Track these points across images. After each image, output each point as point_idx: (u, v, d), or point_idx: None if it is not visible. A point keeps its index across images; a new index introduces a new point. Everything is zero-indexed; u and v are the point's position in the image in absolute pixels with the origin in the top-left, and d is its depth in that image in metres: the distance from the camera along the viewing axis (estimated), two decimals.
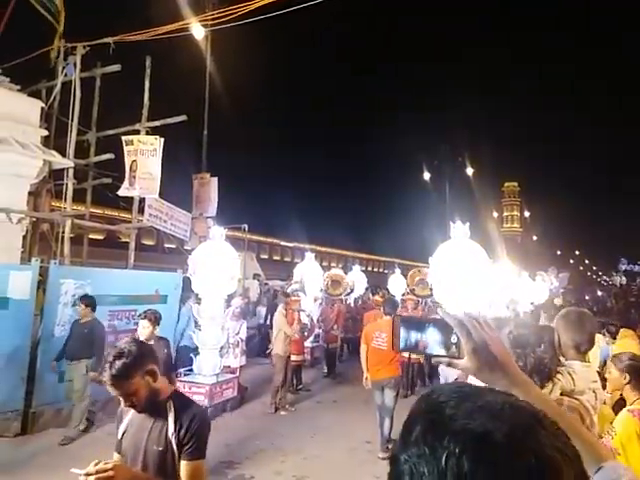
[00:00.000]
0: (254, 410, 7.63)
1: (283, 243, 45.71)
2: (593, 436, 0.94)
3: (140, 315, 5.53)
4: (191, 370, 7.39)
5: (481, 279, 5.59)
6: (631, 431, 2.39)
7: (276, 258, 44.61)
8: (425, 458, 0.50)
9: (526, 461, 0.48)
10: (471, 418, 0.51)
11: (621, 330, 5.45)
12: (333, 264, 45.18)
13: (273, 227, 42.54)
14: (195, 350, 7.51)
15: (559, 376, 2.11)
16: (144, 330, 5.21)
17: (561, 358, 2.33)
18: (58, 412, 6.44)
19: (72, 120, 9.15)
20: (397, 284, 13.42)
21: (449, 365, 0.92)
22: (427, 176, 35.54)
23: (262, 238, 43.93)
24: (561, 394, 2.06)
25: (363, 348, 6.23)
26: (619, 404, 2.94)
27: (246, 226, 15.99)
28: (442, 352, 0.91)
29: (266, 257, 41.96)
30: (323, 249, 51.53)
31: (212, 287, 7.40)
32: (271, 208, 43.44)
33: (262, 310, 12.08)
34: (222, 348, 7.53)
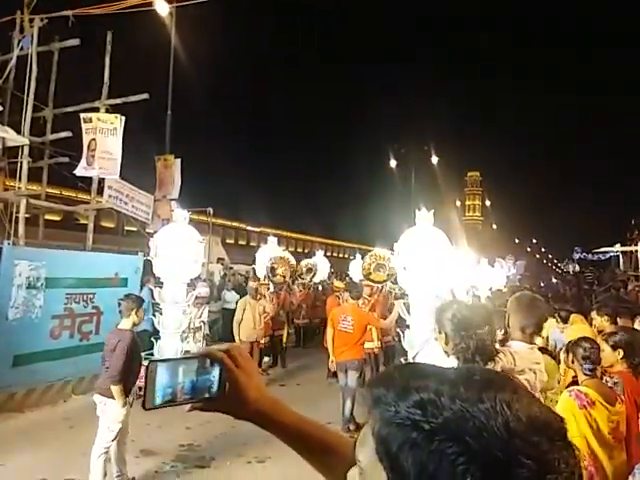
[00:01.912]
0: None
1: (249, 228, 45.37)
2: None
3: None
4: (151, 354, 7.29)
5: (444, 265, 5.72)
6: (567, 410, 2.52)
7: (242, 243, 44.27)
8: (477, 415, 0.49)
9: (541, 405, 0.54)
10: (424, 382, 0.54)
11: (572, 315, 5.67)
12: (299, 249, 45.31)
13: (239, 211, 42.20)
14: (154, 334, 7.41)
15: (501, 355, 2.21)
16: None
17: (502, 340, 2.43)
18: (11, 396, 6.26)
19: (28, 96, 8.76)
20: (358, 269, 13.52)
21: (207, 410, 0.83)
22: (393, 164, 35.93)
23: (228, 222, 43.47)
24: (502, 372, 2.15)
25: (329, 331, 6.37)
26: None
27: (211, 210, 15.80)
28: (201, 394, 0.79)
29: (232, 242, 41.60)
30: (289, 234, 51.53)
31: (175, 271, 7.27)
32: (237, 192, 42.97)
33: (227, 294, 12.00)
34: (183, 332, 7.46)
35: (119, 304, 4.62)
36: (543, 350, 3.89)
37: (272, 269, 9.83)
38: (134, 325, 4.49)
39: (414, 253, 5.66)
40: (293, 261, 11.43)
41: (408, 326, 5.29)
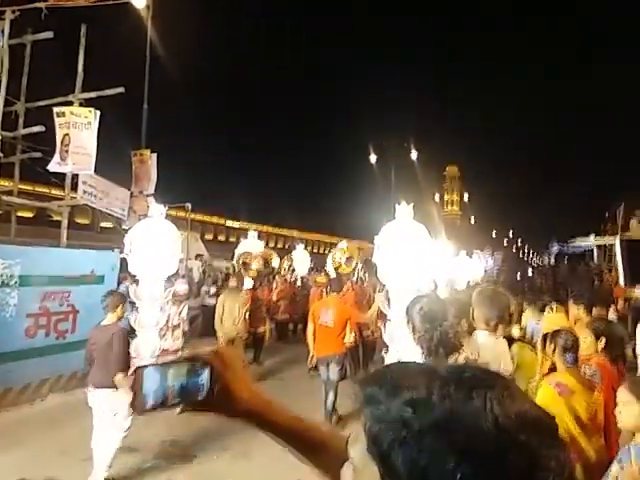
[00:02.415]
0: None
1: (229, 223, 45.09)
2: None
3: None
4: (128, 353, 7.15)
5: (424, 259, 5.77)
6: (548, 399, 2.57)
7: (221, 239, 43.95)
8: (464, 412, 0.50)
9: (532, 403, 0.56)
10: (413, 380, 0.55)
11: (554, 306, 5.78)
12: (279, 245, 45.22)
13: (218, 207, 41.89)
14: (131, 333, 7.27)
15: (465, 346, 2.27)
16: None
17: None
18: None
19: None
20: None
21: (199, 411, 0.84)
22: (374, 158, 36.03)
23: (207, 218, 43.13)
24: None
25: (310, 326, 6.36)
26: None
27: (189, 205, 15.63)
28: (190, 398, 0.79)
29: (211, 238, 41.28)
30: (269, 229, 51.36)
31: (151, 267, 7.04)
32: (216, 188, 42.67)
33: (206, 290, 11.90)
34: (161, 330, 7.35)
35: (103, 300, 4.68)
36: (522, 341, 3.97)
37: (244, 264, 9.72)
38: (119, 320, 4.59)
39: (394, 247, 5.69)
40: (271, 256, 11.36)
41: (389, 320, 5.32)
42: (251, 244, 11.13)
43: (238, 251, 10.80)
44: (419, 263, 5.77)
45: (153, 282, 7.21)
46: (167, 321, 7.44)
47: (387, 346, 5.51)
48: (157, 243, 7.00)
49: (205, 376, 0.79)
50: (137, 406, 0.76)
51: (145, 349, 7.00)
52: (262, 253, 10.89)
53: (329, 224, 54.42)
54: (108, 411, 4.39)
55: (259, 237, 12.30)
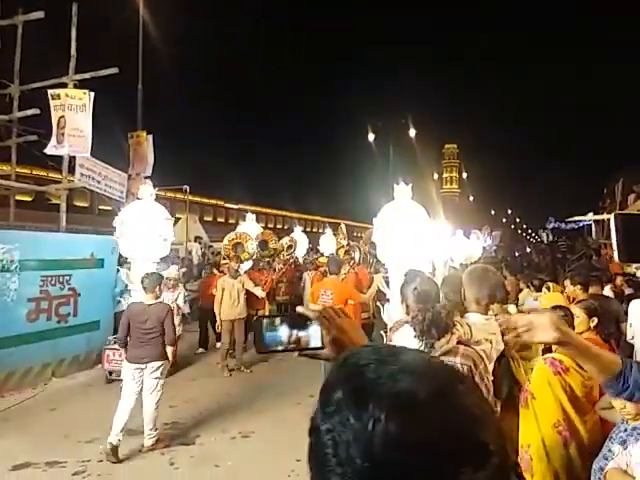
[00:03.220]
0: (199, 372, 7.63)
1: (228, 205, 44.93)
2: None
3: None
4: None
5: (423, 239, 5.75)
6: (542, 377, 2.59)
7: (220, 220, 43.86)
8: (350, 426, 0.49)
9: (452, 420, 0.49)
10: (394, 380, 0.51)
11: (551, 285, 5.79)
12: (279, 226, 45.16)
13: (217, 189, 41.69)
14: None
15: (458, 326, 2.28)
16: None
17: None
18: None
19: None
20: (328, 244, 13.49)
21: (313, 357, 0.95)
22: (371, 137, 35.71)
23: (205, 200, 42.95)
24: (458, 343, 2.22)
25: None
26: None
27: (187, 187, 15.57)
28: (305, 345, 0.92)
29: (210, 219, 41.20)
30: (269, 211, 51.24)
31: (142, 250, 6.75)
32: (215, 169, 42.41)
33: (207, 272, 11.90)
34: None
35: (142, 281, 5.20)
36: None
37: (238, 245, 9.54)
38: (157, 299, 5.07)
39: (393, 227, 5.67)
40: (270, 237, 11.24)
41: (388, 300, 5.33)
42: (249, 226, 11.06)
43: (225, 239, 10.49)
44: (418, 243, 5.77)
45: (144, 265, 7.07)
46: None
47: (386, 326, 5.54)
48: (147, 225, 6.74)
49: (315, 329, 0.91)
50: (258, 347, 0.92)
51: None
52: (261, 235, 10.79)
53: (327, 205, 54.31)
54: (152, 378, 4.82)
55: (257, 219, 12.24)
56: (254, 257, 9.67)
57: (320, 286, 6.59)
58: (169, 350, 4.93)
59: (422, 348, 2.31)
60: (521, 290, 7.25)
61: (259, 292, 8.12)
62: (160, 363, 4.86)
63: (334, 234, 13.23)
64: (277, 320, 0.93)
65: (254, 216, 11.90)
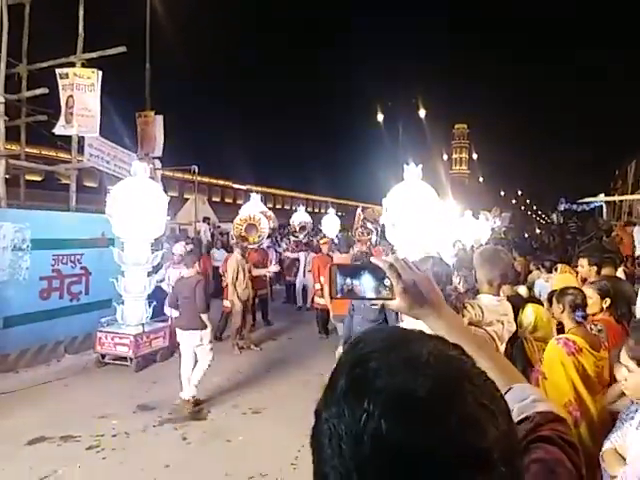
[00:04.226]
0: None
1: (236, 185, 44.88)
2: (506, 361, 1.01)
3: None
4: (115, 320, 6.95)
5: (432, 220, 5.71)
6: (554, 357, 2.59)
7: (228, 201, 43.90)
8: (344, 419, 0.47)
9: (447, 423, 0.45)
10: (393, 374, 0.48)
11: (559, 265, 5.75)
12: (287, 206, 45.12)
13: (225, 169, 41.59)
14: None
15: (469, 308, 2.26)
16: None
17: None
18: (4, 358, 6.27)
19: (0, 51, 8.33)
20: (331, 224, 13.33)
21: (383, 307, 0.95)
22: (380, 117, 35.34)
23: (214, 180, 42.95)
24: (469, 324, 2.22)
25: (326, 289, 6.40)
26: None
27: (196, 167, 15.49)
28: (376, 295, 0.95)
29: (218, 200, 41.25)
30: (275, 191, 51.18)
31: (135, 229, 6.77)
32: (223, 149, 42.20)
33: (216, 253, 11.94)
34: (148, 296, 7.14)
35: (184, 258, 6.00)
36: (533, 300, 3.97)
37: (250, 227, 9.40)
38: (197, 273, 5.61)
39: (403, 208, 5.60)
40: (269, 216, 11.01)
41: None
42: (254, 206, 10.95)
43: (242, 214, 10.35)
44: (427, 224, 5.72)
45: (138, 245, 6.96)
46: (169, 285, 7.26)
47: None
48: (141, 204, 6.67)
49: (385, 280, 0.93)
50: (331, 293, 0.95)
51: (131, 316, 6.91)
52: (262, 214, 10.55)
53: (336, 186, 54.08)
54: (196, 347, 5.33)
55: (265, 200, 12.15)
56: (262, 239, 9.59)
57: (327, 264, 6.59)
58: (204, 317, 5.31)
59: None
60: (530, 271, 7.21)
61: (273, 268, 8.21)
62: (198, 332, 5.30)
63: (338, 214, 13.07)
64: (351, 269, 0.97)
65: (259, 196, 11.73)
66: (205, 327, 5.34)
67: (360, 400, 0.47)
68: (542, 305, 3.67)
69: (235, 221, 9.56)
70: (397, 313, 4.18)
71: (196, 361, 5.38)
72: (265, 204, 14.45)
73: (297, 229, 13.08)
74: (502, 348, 2.42)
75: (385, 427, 0.44)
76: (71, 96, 8.42)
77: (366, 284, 0.95)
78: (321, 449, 0.49)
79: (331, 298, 0.98)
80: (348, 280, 0.95)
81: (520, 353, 3.22)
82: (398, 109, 35.61)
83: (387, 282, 0.93)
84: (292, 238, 12.93)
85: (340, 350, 4.39)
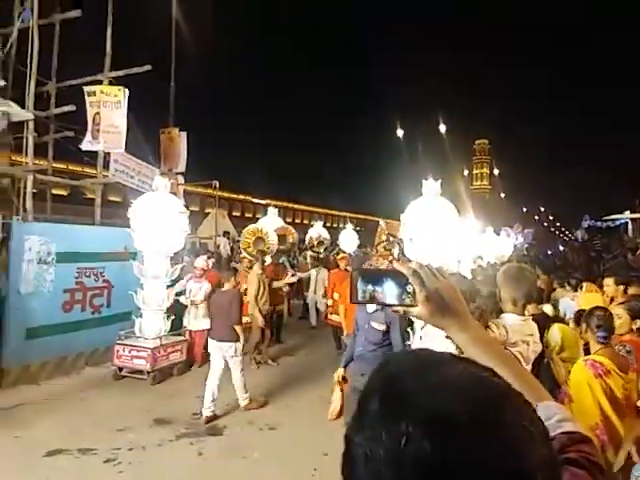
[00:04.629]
0: (227, 363, 7.69)
1: (255, 200, 45.29)
2: (532, 378, 0.97)
3: None
4: (132, 332, 7.00)
5: (451, 236, 5.63)
6: (581, 379, 2.50)
7: (248, 215, 44.23)
8: (382, 443, 0.45)
9: (490, 446, 0.44)
10: (431, 395, 0.46)
11: (585, 284, 5.61)
12: (306, 221, 45.25)
13: (245, 184, 42.07)
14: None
15: (493, 327, 2.20)
16: None
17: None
18: (26, 368, 6.35)
19: (30, 70, 8.59)
20: (348, 240, 13.10)
21: (404, 313, 0.94)
22: (401, 133, 35.39)
23: (234, 195, 43.43)
24: None
25: (341, 308, 6.36)
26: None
27: (217, 183, 15.70)
28: (398, 302, 0.93)
29: (238, 214, 41.65)
30: (296, 206, 51.45)
31: (155, 243, 6.88)
32: (243, 164, 42.73)
33: (237, 266, 11.99)
34: (169, 309, 7.19)
35: (223, 274, 6.23)
36: (558, 320, 3.86)
37: (258, 240, 9.39)
38: (233, 287, 5.92)
39: (421, 224, 5.56)
40: (289, 232, 10.89)
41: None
42: (271, 221, 10.96)
43: (246, 230, 10.02)
44: (446, 240, 5.64)
45: (158, 259, 7.06)
46: (188, 298, 7.31)
47: (411, 323, 5.43)
48: (162, 218, 6.80)
49: (408, 287, 0.92)
50: (352, 298, 0.95)
51: (149, 329, 6.94)
52: (278, 229, 10.63)
53: (354, 201, 54.12)
54: (230, 357, 5.58)
55: (284, 215, 12.20)
56: (272, 253, 9.60)
57: (344, 279, 6.49)
58: (238, 329, 5.57)
59: (453, 349, 2.25)
60: (554, 289, 7.05)
61: (291, 279, 8.22)
62: (233, 344, 5.55)
63: (356, 229, 12.94)
64: (374, 274, 0.96)
65: (276, 210, 11.74)
66: (238, 339, 5.57)
67: (398, 422, 0.45)
68: (568, 324, 3.57)
69: (243, 233, 9.60)
70: (404, 336, 4.08)
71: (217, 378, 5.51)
72: (284, 219, 14.49)
73: (315, 244, 12.99)
74: (528, 369, 2.35)
75: (427, 450, 0.43)
76: (98, 113, 8.64)
77: (388, 290, 0.93)
78: (356, 475, 0.47)
79: (351, 302, 0.97)
80: (370, 286, 0.93)
81: (547, 374, 3.13)
82: (418, 124, 35.65)
83: (410, 289, 0.91)
84: (309, 253, 12.83)
85: (340, 372, 4.24)
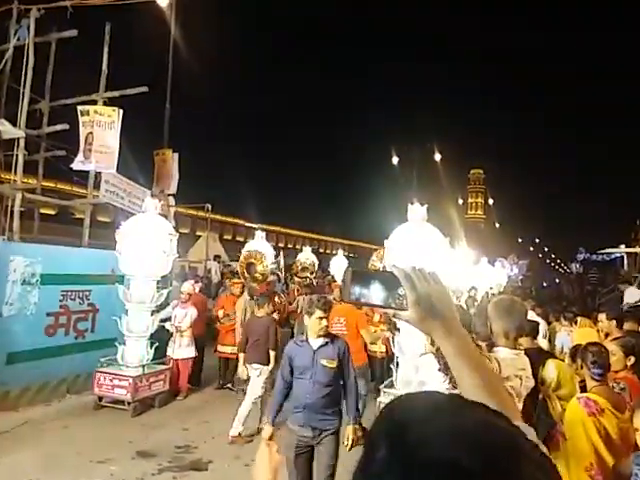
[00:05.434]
0: (212, 395, 7.61)
1: (248, 224, 45.30)
2: (509, 397, 1.00)
3: None
4: (114, 360, 6.85)
5: (437, 264, 5.53)
6: (575, 418, 2.51)
7: (240, 239, 44.19)
8: None
9: None
10: (442, 446, 0.45)
11: (579, 319, 5.65)
12: (298, 246, 45.25)
13: (237, 208, 42.15)
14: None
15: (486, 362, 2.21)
16: None
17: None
18: (5, 395, 6.24)
19: (24, 87, 8.70)
20: (340, 266, 12.98)
21: (394, 316, 0.96)
22: (395, 160, 35.80)
23: (226, 218, 43.46)
24: None
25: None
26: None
27: (209, 206, 15.79)
28: (389, 304, 0.95)
29: (229, 238, 41.59)
30: (290, 231, 51.56)
31: (141, 267, 6.81)
32: (236, 188, 42.92)
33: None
34: (170, 335, 7.17)
35: (257, 300, 6.51)
36: (552, 356, 3.88)
37: (249, 265, 9.30)
38: (267, 314, 6.20)
39: (405, 250, 5.41)
40: (269, 258, 10.65)
41: (398, 329, 5.14)
42: (258, 245, 10.84)
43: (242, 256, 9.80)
44: (432, 267, 5.58)
45: (144, 283, 6.96)
46: (173, 325, 7.20)
47: (396, 359, 5.33)
48: (149, 241, 6.75)
49: (401, 290, 0.93)
50: (344, 295, 0.96)
51: (131, 357, 6.80)
52: (244, 256, 9.94)
53: (347, 228, 54.38)
54: (253, 377, 5.76)
55: (276, 239, 12.11)
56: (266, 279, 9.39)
57: (334, 313, 6.24)
58: (272, 354, 5.79)
59: (446, 383, 2.26)
60: (550, 323, 7.09)
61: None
62: (260, 366, 5.77)
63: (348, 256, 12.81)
64: (367, 275, 0.98)
65: (263, 233, 11.61)
66: (268, 363, 5.79)
67: (407, 474, 0.44)
68: (564, 360, 3.59)
69: (240, 259, 9.51)
70: (356, 377, 3.75)
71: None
72: (276, 244, 14.46)
73: (299, 269, 12.86)
74: (520, 405, 2.36)
75: None
76: (91, 133, 8.72)
77: (379, 292, 0.95)
78: None
79: (342, 301, 0.99)
80: (362, 286, 0.95)
81: (544, 413, 3.13)
82: (413, 152, 36.11)
83: (402, 292, 0.93)
84: (296, 279, 12.68)
85: (268, 430, 3.75)
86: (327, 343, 3.70)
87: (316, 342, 3.68)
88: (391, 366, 5.53)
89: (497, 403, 0.79)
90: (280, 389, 3.82)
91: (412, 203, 5.79)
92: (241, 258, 9.54)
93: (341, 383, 3.73)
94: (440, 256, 5.36)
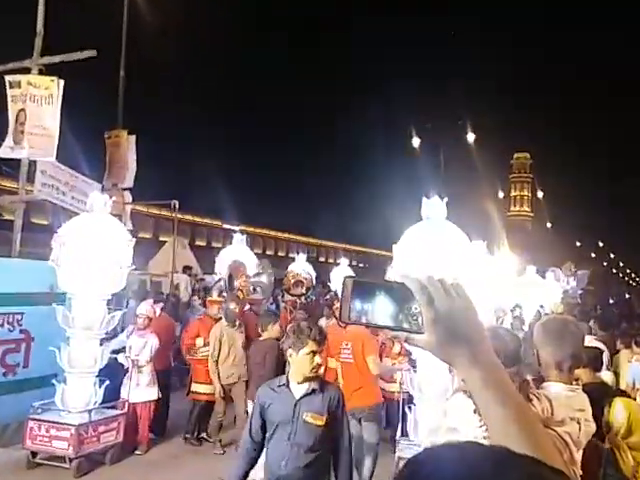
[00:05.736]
0: (181, 448, 7.58)
1: (226, 226, 45.34)
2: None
3: None
4: (52, 402, 6.74)
5: (461, 272, 5.35)
6: None
7: (216, 245, 44.21)
8: None
9: None
10: None
11: None
12: (291, 254, 45.27)
13: (213, 205, 42.12)
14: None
15: (534, 401, 2.19)
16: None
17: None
18: None
19: None
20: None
21: (406, 341, 0.94)
22: (416, 143, 35.80)
23: (198, 219, 43.49)
24: None
25: (333, 364, 6.14)
26: None
27: (176, 203, 15.75)
28: (398, 325, 0.93)
29: (203, 244, 41.63)
30: (280, 234, 51.63)
31: (86, 282, 6.71)
32: (211, 180, 42.88)
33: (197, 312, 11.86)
34: (126, 371, 7.11)
35: (260, 321, 6.78)
36: (620, 393, 3.85)
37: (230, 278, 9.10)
38: (274, 338, 6.27)
39: (420, 256, 5.30)
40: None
41: (414, 365, 5.12)
42: (236, 250, 10.79)
43: (220, 262, 10.13)
44: (456, 278, 5.50)
45: (89, 304, 6.86)
46: (131, 359, 7.12)
47: (411, 399, 5.30)
48: (96, 248, 6.65)
49: (415, 306, 0.91)
50: (341, 316, 0.95)
51: (74, 400, 6.69)
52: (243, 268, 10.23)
53: (353, 231, 54.54)
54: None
55: (262, 244, 12.08)
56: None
57: (340, 338, 6.05)
58: None
59: (483, 427, 2.24)
60: (618, 351, 7.06)
61: None
62: None
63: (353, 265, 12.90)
64: (370, 286, 0.95)
65: (244, 237, 11.53)
66: None
67: None
68: (635, 399, 3.57)
69: (240, 282, 9.42)
70: (350, 443, 3.50)
71: None
72: (263, 251, 14.45)
73: (291, 284, 12.49)
74: (578, 456, 2.32)
75: None
76: (23, 110, 8.72)
77: (388, 309, 0.92)
78: None
79: (341, 321, 0.97)
80: (365, 301, 0.93)
81: (611, 467, 3.10)
82: (438, 132, 36.16)
83: (415, 308, 0.91)
84: (288, 297, 12.55)
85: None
86: (314, 391, 3.38)
87: (299, 388, 3.39)
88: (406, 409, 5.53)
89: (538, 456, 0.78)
90: (245, 452, 3.49)
91: (428, 196, 5.75)
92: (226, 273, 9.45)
93: (331, 447, 3.44)
94: (465, 262, 5.30)
